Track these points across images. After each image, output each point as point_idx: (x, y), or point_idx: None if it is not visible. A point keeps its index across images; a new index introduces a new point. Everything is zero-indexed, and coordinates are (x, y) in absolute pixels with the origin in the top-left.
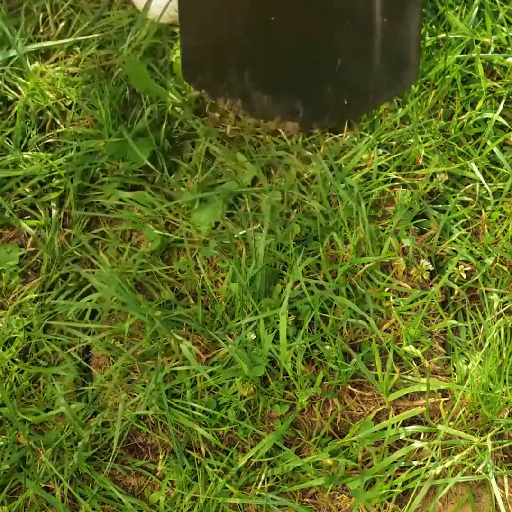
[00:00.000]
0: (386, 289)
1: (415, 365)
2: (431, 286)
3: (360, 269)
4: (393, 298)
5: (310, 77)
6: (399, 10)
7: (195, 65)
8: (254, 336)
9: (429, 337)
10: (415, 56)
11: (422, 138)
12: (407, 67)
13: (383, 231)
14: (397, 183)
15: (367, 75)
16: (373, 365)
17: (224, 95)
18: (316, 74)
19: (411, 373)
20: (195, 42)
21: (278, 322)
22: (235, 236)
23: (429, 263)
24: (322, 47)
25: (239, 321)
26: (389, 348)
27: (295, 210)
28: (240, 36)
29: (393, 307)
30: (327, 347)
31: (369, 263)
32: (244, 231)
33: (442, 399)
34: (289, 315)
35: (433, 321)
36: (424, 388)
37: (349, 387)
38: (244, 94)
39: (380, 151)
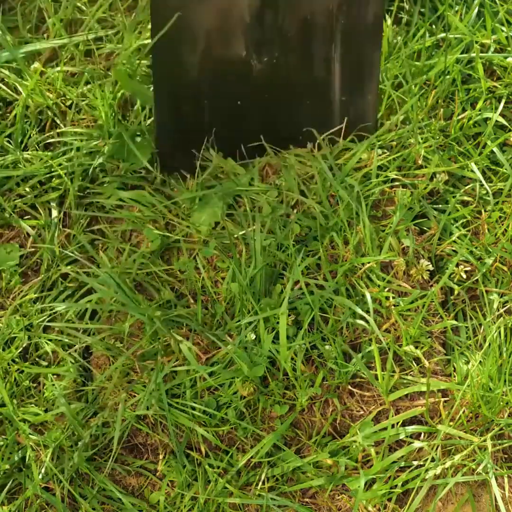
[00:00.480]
0: (386, 289)
1: (415, 365)
2: (431, 286)
3: (360, 269)
4: (393, 298)
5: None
6: (358, 87)
7: (171, 155)
8: (254, 336)
9: (429, 337)
10: (373, 122)
11: (422, 138)
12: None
13: (383, 231)
14: (397, 183)
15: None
16: (373, 365)
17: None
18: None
19: (411, 373)
20: (170, 133)
21: (278, 322)
22: (235, 236)
23: (429, 263)
24: (285, 126)
25: (239, 321)
26: (389, 348)
27: (295, 210)
28: (209, 120)
29: (393, 307)
30: (327, 347)
31: (369, 263)
32: (243, 231)
33: (442, 399)
34: (289, 315)
35: (433, 321)
36: (424, 388)
37: (349, 387)
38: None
39: (380, 151)
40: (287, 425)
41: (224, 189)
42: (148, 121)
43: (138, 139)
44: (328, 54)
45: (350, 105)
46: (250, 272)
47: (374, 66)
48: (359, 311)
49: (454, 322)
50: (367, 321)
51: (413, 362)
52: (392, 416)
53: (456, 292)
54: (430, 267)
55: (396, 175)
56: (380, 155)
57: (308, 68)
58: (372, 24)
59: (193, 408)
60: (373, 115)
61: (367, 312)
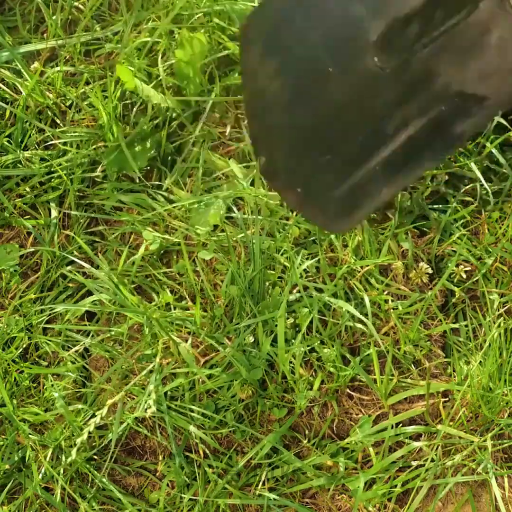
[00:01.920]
0: (385, 292)
1: (413, 368)
2: (431, 289)
3: (359, 272)
4: (392, 301)
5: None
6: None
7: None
8: (253, 339)
9: (428, 340)
10: None
11: None
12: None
13: (382, 234)
14: None
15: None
16: (372, 368)
17: None
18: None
19: (411, 376)
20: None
21: (276, 325)
22: (234, 239)
23: (428, 266)
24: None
25: (238, 323)
26: (387, 352)
27: (294, 213)
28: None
29: (392, 310)
30: (325, 350)
31: (367, 266)
32: (243, 234)
33: (442, 399)
34: (287, 318)
35: (432, 324)
36: (423, 391)
37: (348, 390)
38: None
39: None
40: (287, 427)
41: (224, 192)
42: (151, 124)
43: (139, 142)
44: None
45: None
46: (249, 275)
47: None
48: (358, 314)
49: (453, 325)
50: (365, 325)
51: (412, 365)
52: (392, 417)
53: (457, 295)
54: (429, 270)
55: None
56: None
57: None
58: None
59: (192, 411)
60: None
61: (366, 315)
